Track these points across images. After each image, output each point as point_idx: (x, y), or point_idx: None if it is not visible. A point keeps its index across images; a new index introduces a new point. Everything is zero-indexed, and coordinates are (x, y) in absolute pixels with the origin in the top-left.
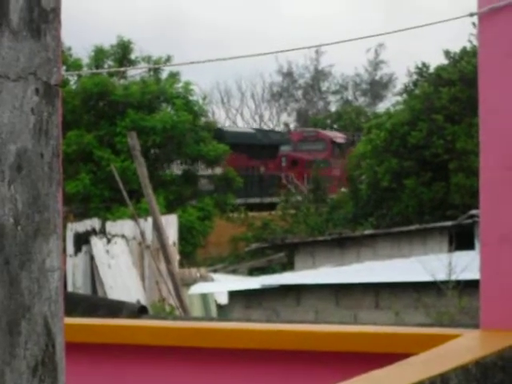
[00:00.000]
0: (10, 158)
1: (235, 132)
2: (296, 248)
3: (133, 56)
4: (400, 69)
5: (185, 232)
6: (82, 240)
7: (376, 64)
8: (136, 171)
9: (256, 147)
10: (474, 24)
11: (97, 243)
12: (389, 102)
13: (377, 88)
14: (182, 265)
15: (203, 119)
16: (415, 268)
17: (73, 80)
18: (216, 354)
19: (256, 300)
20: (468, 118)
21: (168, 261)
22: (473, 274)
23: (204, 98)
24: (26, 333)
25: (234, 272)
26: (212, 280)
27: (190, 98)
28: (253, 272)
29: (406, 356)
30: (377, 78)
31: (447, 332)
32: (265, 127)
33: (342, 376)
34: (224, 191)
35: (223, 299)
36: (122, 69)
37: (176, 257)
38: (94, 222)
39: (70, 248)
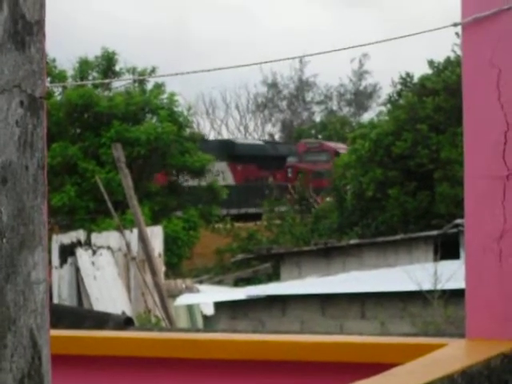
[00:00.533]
0: None
1: (246, 144)
2: (282, 258)
3: (117, 67)
4: (384, 79)
5: (170, 243)
6: (67, 252)
7: (360, 74)
8: (121, 182)
9: (265, 158)
10: (457, 34)
11: (82, 255)
12: (373, 112)
13: (361, 98)
14: (167, 276)
15: (188, 130)
16: (401, 278)
17: (57, 92)
18: (202, 365)
19: (242, 311)
20: (452, 127)
21: (154, 272)
22: (458, 283)
23: (189, 109)
24: (12, 345)
25: (220, 283)
26: (198, 291)
27: (175, 109)
28: (238, 283)
29: (391, 366)
30: (361, 88)
31: (433, 341)
32: (249, 137)
33: None
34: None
35: (209, 310)
36: (107, 81)
37: (162, 268)
38: (79, 234)
39: (56, 260)
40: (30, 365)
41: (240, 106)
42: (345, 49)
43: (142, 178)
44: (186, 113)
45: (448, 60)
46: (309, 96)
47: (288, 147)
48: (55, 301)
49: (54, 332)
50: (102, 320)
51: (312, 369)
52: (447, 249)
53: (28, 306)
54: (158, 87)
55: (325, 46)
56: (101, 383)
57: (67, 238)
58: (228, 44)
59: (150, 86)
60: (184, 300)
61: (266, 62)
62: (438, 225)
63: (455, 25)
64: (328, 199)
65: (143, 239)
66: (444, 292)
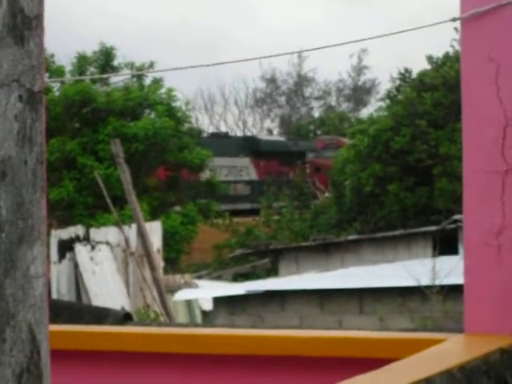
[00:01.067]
0: None
1: (269, 141)
2: (280, 254)
3: (115, 62)
4: (383, 74)
5: (168, 238)
6: (66, 247)
7: (359, 69)
8: (119, 178)
9: (286, 154)
10: (456, 29)
11: (81, 250)
12: (372, 108)
13: (360, 93)
14: (166, 271)
15: (186, 125)
16: (399, 273)
17: (56, 87)
18: (201, 361)
19: (240, 306)
20: (451, 122)
21: (152, 267)
22: (457, 278)
23: (187, 104)
24: (11, 340)
25: (219, 278)
26: (196, 286)
27: (173, 104)
28: (237, 278)
29: (390, 361)
30: (360, 83)
31: (432, 337)
32: (249, 133)
33: (327, 381)
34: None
35: (208, 305)
36: (105, 75)
37: (160, 263)
38: (78, 229)
39: (54, 255)
40: (28, 359)
41: (239, 101)
42: (344, 44)
43: (141, 173)
44: (184, 108)
45: (447, 55)
46: (307, 91)
47: (308, 143)
48: (54, 296)
49: (53, 327)
50: (101, 315)
51: (311, 364)
52: (446, 244)
53: (27, 300)
54: (156, 82)
55: (323, 42)
56: (100, 378)
57: (66, 233)
58: (226, 40)
59: (148, 81)
60: (183, 295)
61: (265, 57)
62: (437, 220)
63: (454, 20)
64: (327, 195)
65: (142, 234)
66: (442, 287)
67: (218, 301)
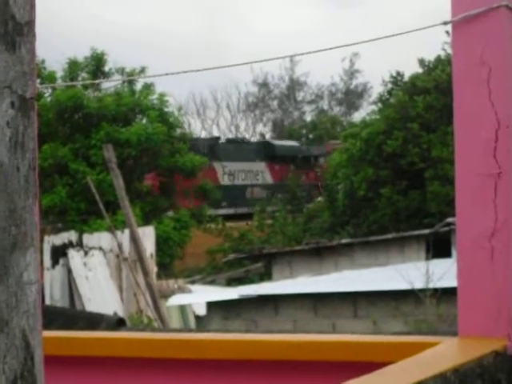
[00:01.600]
0: None
1: (283, 146)
2: (273, 258)
3: (107, 68)
4: (375, 78)
5: (161, 243)
6: (59, 253)
7: (351, 73)
8: (112, 183)
9: (300, 159)
10: (447, 32)
11: (74, 256)
12: (364, 111)
13: (352, 97)
14: (159, 276)
15: (178, 130)
16: (393, 276)
17: (47, 93)
18: (195, 366)
19: (234, 310)
20: (443, 126)
21: (146, 273)
22: (450, 281)
23: (179, 109)
24: (4, 347)
25: (212, 283)
26: (190, 291)
27: (165, 109)
28: (231, 283)
29: (384, 364)
30: (352, 87)
31: (425, 340)
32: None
33: None
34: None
35: (201, 310)
36: (97, 81)
37: (153, 268)
38: (70, 235)
39: (48, 261)
40: (22, 366)
41: (231, 106)
42: (335, 48)
43: (133, 178)
44: (176, 113)
45: (438, 58)
46: (300, 95)
47: (321, 148)
48: (47, 302)
49: (47, 333)
50: (94, 321)
51: (305, 368)
52: (439, 247)
53: (20, 307)
54: (147, 87)
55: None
56: None
57: (59, 239)
58: (217, 45)
59: (139, 86)
60: (176, 300)
61: (257, 62)
62: (430, 223)
63: (445, 23)
64: (319, 199)
65: (135, 240)
66: (436, 290)
67: (212, 305)
